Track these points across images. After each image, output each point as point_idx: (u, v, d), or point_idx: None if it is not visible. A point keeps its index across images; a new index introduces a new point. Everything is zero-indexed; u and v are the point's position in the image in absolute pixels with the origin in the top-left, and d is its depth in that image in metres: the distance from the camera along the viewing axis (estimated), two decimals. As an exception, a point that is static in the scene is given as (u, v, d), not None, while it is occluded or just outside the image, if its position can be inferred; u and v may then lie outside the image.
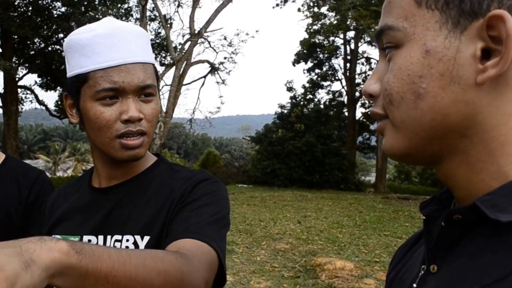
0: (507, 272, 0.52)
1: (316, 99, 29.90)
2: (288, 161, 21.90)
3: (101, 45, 1.06)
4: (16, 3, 20.06)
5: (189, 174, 1.18)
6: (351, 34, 27.55)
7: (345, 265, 6.37)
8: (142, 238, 1.09)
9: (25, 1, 20.31)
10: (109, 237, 1.12)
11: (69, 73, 1.12)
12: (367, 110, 30.11)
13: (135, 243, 1.09)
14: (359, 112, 29.57)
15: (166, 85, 21.77)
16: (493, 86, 0.57)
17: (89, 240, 1.14)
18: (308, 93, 30.21)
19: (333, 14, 23.56)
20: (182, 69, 21.18)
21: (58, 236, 1.18)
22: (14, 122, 20.15)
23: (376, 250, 7.66)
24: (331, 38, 28.58)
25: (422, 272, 0.67)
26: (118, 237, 1.11)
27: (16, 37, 19.48)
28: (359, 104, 29.43)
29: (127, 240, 1.09)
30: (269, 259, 7.13)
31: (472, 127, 0.59)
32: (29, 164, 1.84)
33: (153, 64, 1.15)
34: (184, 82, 22.21)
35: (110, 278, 0.71)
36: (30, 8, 20.32)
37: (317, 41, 28.71)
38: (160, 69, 22.61)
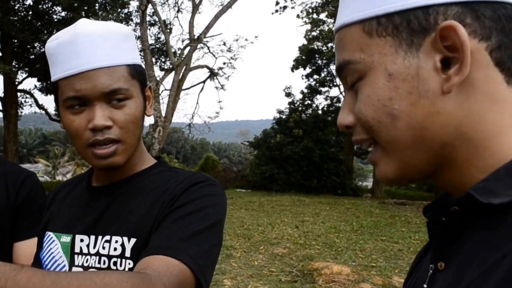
0: (497, 257, 0.54)
1: (314, 105, 29.96)
2: (286, 166, 21.95)
3: (63, 53, 1.04)
4: (16, 8, 20.07)
5: (184, 176, 1.14)
6: (349, 40, 27.62)
7: (342, 270, 6.43)
8: (129, 240, 1.06)
9: (25, 6, 20.32)
10: (100, 237, 1.10)
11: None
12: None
13: (123, 245, 1.06)
14: (356, 117, 29.62)
15: (165, 89, 21.86)
16: (459, 91, 0.60)
17: (82, 240, 1.12)
18: (306, 98, 30.26)
19: (332, 21, 23.65)
20: (181, 74, 21.25)
21: (51, 233, 1.19)
22: (13, 126, 20.15)
23: (373, 255, 7.72)
24: (330, 44, 28.67)
25: (431, 271, 0.68)
26: (108, 237, 1.09)
27: (16, 41, 19.47)
28: (357, 110, 29.50)
29: (116, 242, 1.07)
30: (267, 264, 7.18)
31: (450, 133, 0.61)
32: (19, 166, 1.83)
33: (128, 65, 1.09)
34: (183, 87, 22.28)
35: None
36: (30, 13, 20.31)
37: (315, 47, 28.79)
38: (160, 73, 22.69)
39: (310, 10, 24.97)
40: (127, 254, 1.05)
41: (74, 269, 1.12)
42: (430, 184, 29.66)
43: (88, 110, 1.05)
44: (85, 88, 1.02)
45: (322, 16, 24.69)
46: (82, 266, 1.10)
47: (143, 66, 1.19)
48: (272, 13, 26.32)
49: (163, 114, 20.10)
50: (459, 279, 0.58)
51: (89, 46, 1.03)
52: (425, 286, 0.68)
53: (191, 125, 24.92)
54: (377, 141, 0.67)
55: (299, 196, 18.31)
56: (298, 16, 24.91)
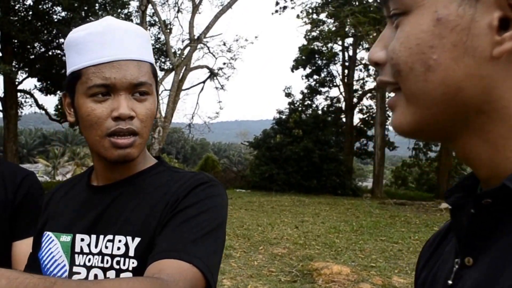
0: None
1: (314, 105, 30.00)
2: (286, 166, 21.94)
3: (94, 42, 1.06)
4: (16, 8, 20.05)
5: (187, 177, 1.14)
6: (349, 40, 27.68)
7: (342, 270, 6.44)
8: (133, 240, 1.06)
9: (25, 6, 20.31)
10: (101, 236, 1.10)
11: (67, 71, 1.13)
12: (365, 116, 30.22)
13: (126, 244, 1.07)
14: (356, 118, 29.67)
15: (165, 90, 21.84)
16: (510, 60, 0.53)
17: (82, 239, 1.13)
18: (306, 99, 30.27)
19: (332, 21, 23.69)
20: (181, 74, 21.25)
21: (50, 233, 1.20)
22: (13, 126, 20.15)
23: (373, 255, 7.73)
24: (330, 45, 28.68)
25: (457, 266, 0.61)
26: (110, 237, 1.09)
27: (16, 41, 19.48)
28: (356, 110, 29.51)
29: (119, 241, 1.07)
30: (267, 264, 7.19)
31: (489, 103, 0.54)
32: (18, 166, 1.82)
33: (151, 63, 1.13)
34: (183, 87, 22.27)
35: None
36: (30, 13, 20.30)
37: (315, 47, 28.79)
38: (160, 74, 22.67)
39: (310, 11, 24.99)
40: (131, 253, 1.06)
41: (75, 268, 1.12)
42: (430, 184, 29.68)
43: (112, 99, 1.07)
44: (115, 76, 1.05)
45: (322, 16, 24.72)
46: (84, 265, 1.10)
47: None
48: (272, 14, 26.40)
49: (163, 114, 20.10)
50: (492, 278, 0.53)
51: (122, 38, 1.08)
52: (450, 282, 0.62)
53: (191, 125, 24.92)
54: (401, 88, 0.59)
55: (299, 196, 18.33)
56: (298, 16, 24.94)
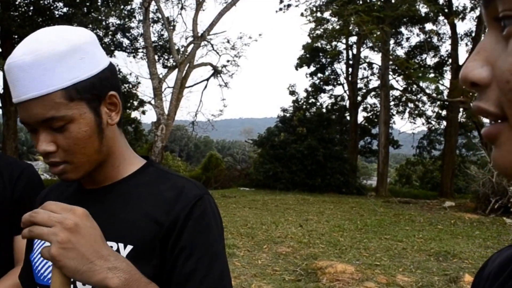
0: None
1: (318, 103, 30.02)
2: (290, 165, 21.91)
3: (9, 80, 1.03)
4: (17, 3, 19.94)
5: (179, 184, 1.13)
6: (353, 39, 27.63)
7: (346, 269, 6.41)
8: (125, 247, 1.06)
9: (26, 1, 20.23)
10: None
11: None
12: (369, 114, 30.16)
13: (118, 251, 1.05)
14: (360, 116, 29.68)
15: (168, 87, 21.80)
16: None
17: None
18: (310, 97, 30.28)
19: (336, 19, 23.60)
20: (184, 71, 21.22)
21: None
22: (13, 123, 20.04)
23: (377, 254, 7.69)
24: (334, 43, 28.65)
25: None
26: None
27: (16, 36, 19.41)
28: (360, 108, 29.51)
29: (111, 247, 1.03)
30: (271, 263, 7.16)
31: None
32: (16, 160, 1.80)
33: (64, 89, 1.01)
34: (187, 85, 22.26)
35: None
36: (31, 8, 20.23)
37: (319, 45, 28.76)
38: (163, 71, 22.67)
39: (314, 9, 24.92)
40: None
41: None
42: (434, 182, 29.63)
43: (37, 134, 1.05)
44: (24, 117, 1.03)
45: (326, 14, 24.64)
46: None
47: (105, 74, 1.09)
48: (276, 11, 26.34)
49: (166, 112, 20.08)
50: None
51: (20, 77, 0.99)
52: None
53: (194, 122, 24.92)
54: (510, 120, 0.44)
55: (303, 195, 18.30)
56: (302, 14, 24.86)
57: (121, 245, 1.06)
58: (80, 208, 0.90)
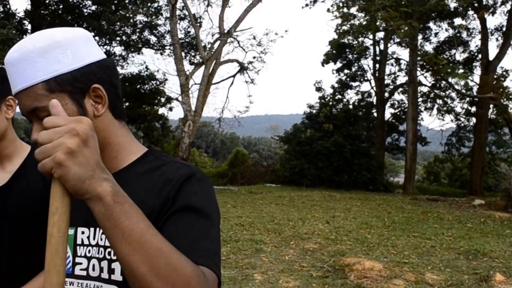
0: None
1: (345, 100, 29.84)
2: (316, 161, 21.83)
3: (8, 77, 1.12)
4: (47, 1, 20.35)
5: (172, 169, 1.17)
6: (380, 35, 27.37)
7: (374, 266, 6.37)
8: None
9: (55, 0, 20.65)
10: (98, 229, 1.16)
11: None
12: (396, 111, 29.88)
13: None
14: (388, 112, 29.38)
15: (195, 84, 21.93)
16: None
17: (83, 232, 1.19)
18: (337, 93, 30.14)
19: (363, 15, 23.40)
20: (211, 68, 21.32)
21: None
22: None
23: (405, 251, 7.63)
24: (361, 39, 28.43)
25: None
26: None
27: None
28: (388, 104, 29.22)
29: None
30: (298, 259, 7.16)
31: None
32: None
33: (45, 81, 1.08)
34: (213, 81, 22.36)
35: (128, 236, 0.88)
36: (61, 6, 20.58)
37: (346, 41, 28.58)
38: (190, 68, 22.79)
39: (341, 4, 24.75)
40: None
41: (77, 259, 1.18)
42: (463, 180, 29.20)
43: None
44: (20, 109, 1.13)
45: (353, 10, 24.45)
46: (85, 256, 1.17)
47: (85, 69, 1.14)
48: (302, 7, 26.23)
49: (193, 108, 20.20)
50: None
51: (12, 72, 1.09)
52: None
53: (221, 119, 25.01)
54: None
55: (329, 192, 18.23)
56: (328, 10, 24.71)
57: None
58: (86, 118, 0.91)
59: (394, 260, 6.96)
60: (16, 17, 20.53)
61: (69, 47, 1.12)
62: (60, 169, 0.84)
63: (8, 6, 20.47)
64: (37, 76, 1.08)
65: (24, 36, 20.71)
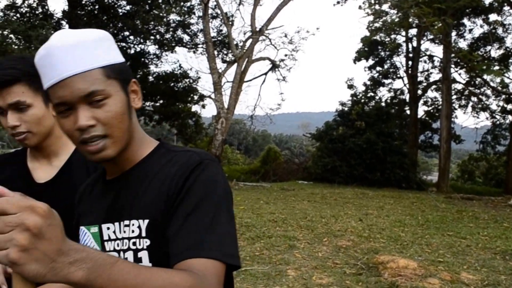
0: None
1: (377, 97, 29.59)
2: (348, 159, 21.73)
3: (44, 66, 1.13)
4: (83, 2, 20.77)
5: (183, 157, 1.22)
6: (413, 31, 27.03)
7: (409, 264, 6.33)
8: (143, 221, 1.16)
9: (91, 0, 21.02)
10: (121, 223, 1.21)
11: None
12: (430, 108, 29.48)
13: (139, 227, 1.17)
14: (421, 110, 29.02)
15: (227, 81, 22.04)
16: None
17: (108, 228, 1.25)
18: (369, 90, 29.92)
19: (395, 12, 23.14)
20: (243, 66, 21.39)
21: (83, 227, 1.32)
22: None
23: (440, 250, 7.57)
24: (393, 36, 28.12)
25: None
26: (127, 222, 1.20)
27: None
28: (421, 102, 28.84)
29: (133, 225, 1.18)
30: (331, 256, 7.17)
31: None
32: None
33: (101, 66, 1.15)
34: (245, 79, 22.41)
35: None
36: (97, 7, 20.99)
37: (378, 38, 28.32)
38: (222, 66, 22.92)
39: (373, 1, 24.51)
40: (143, 234, 1.16)
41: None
42: (498, 179, 28.65)
43: (73, 113, 1.13)
44: (65, 94, 1.11)
45: (385, 7, 24.19)
46: (114, 250, 1.23)
47: (125, 64, 1.25)
48: (334, 5, 26.10)
49: (226, 106, 20.32)
50: None
51: (63, 56, 1.11)
52: None
53: (253, 116, 25.07)
54: None
55: (362, 189, 18.12)
56: (360, 7, 24.53)
57: (140, 221, 1.17)
58: (40, 203, 0.80)
59: (429, 259, 6.91)
60: (54, 17, 21.05)
61: (113, 43, 1.23)
62: (15, 267, 0.78)
63: (46, 7, 20.98)
64: (96, 62, 1.14)
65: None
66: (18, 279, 0.83)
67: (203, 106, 26.87)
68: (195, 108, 28.09)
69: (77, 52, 1.12)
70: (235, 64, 21.29)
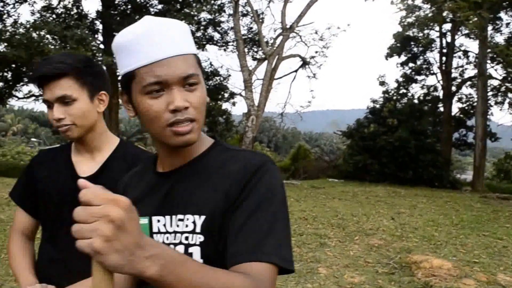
0: None
1: (409, 94, 29.11)
2: (380, 157, 21.45)
3: (141, 44, 1.15)
4: (116, 2, 21.11)
5: (245, 157, 1.23)
6: (447, 26, 26.52)
7: (443, 264, 6.19)
8: (199, 217, 1.17)
9: (124, 0, 21.33)
10: (174, 216, 1.22)
11: (120, 72, 1.23)
12: (464, 105, 28.90)
13: (194, 222, 1.17)
14: (455, 107, 28.45)
15: (258, 79, 22.01)
16: None
17: (158, 220, 1.25)
18: (401, 87, 29.46)
19: (428, 6, 22.77)
20: (273, 63, 21.35)
21: None
22: (115, 115, 21.31)
23: (475, 251, 7.38)
24: (426, 31, 27.67)
25: None
26: (181, 216, 1.20)
27: (116, 34, 20.54)
28: (455, 99, 28.29)
29: (187, 219, 1.18)
30: (363, 254, 7.08)
31: None
32: (141, 148, 1.97)
33: (195, 54, 1.22)
34: (276, 76, 22.35)
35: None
36: (129, 6, 21.31)
37: (411, 34, 27.91)
38: (253, 63, 22.90)
39: (406, -4, 24.19)
40: (198, 229, 1.17)
41: None
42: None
43: (166, 94, 1.16)
44: (166, 73, 1.14)
45: (418, 1, 23.83)
46: (163, 243, 1.18)
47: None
48: (365, 0, 25.78)
49: (256, 103, 20.30)
50: None
51: (165, 37, 1.16)
52: None
53: (283, 114, 24.97)
54: None
55: (394, 188, 17.87)
56: (392, 2, 24.21)
57: (196, 217, 1.17)
58: (123, 197, 0.84)
59: (464, 259, 6.75)
60: (88, 17, 21.43)
61: None
62: (98, 256, 0.81)
63: (81, 8, 21.35)
64: (192, 48, 1.22)
65: (96, 36, 21.53)
66: (98, 268, 0.86)
67: (234, 104, 26.92)
68: (225, 105, 28.22)
69: (177, 36, 1.18)
70: (266, 62, 21.26)
